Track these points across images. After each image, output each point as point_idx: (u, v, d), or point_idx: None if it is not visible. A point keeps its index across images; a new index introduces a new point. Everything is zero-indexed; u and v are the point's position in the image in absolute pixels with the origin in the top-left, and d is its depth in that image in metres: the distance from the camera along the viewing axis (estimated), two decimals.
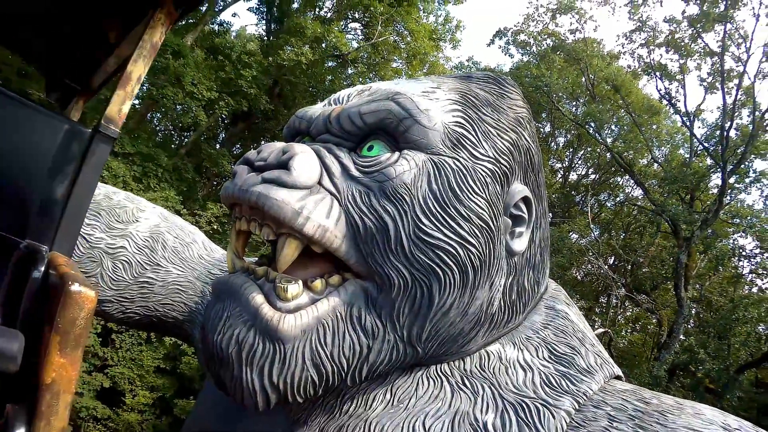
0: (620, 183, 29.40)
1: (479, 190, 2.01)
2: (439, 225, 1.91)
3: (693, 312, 20.71)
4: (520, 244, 2.21)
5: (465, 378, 2.09)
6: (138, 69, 2.13)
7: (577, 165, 30.32)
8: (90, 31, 2.84)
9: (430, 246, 1.89)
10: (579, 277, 24.62)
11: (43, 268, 1.75)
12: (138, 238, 3.25)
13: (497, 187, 2.09)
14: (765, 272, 21.06)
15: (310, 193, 1.92)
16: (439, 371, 2.14)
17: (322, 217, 1.88)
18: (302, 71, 20.25)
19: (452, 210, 1.94)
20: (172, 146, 21.54)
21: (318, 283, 1.92)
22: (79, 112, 3.11)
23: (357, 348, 1.91)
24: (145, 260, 3.22)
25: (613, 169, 27.55)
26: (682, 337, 17.93)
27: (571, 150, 28.94)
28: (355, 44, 22.00)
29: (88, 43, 2.92)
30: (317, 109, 2.32)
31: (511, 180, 2.17)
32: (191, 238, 3.56)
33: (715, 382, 16.29)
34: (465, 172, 2.00)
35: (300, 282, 1.91)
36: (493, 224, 2.05)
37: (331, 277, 1.97)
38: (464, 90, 2.22)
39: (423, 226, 1.89)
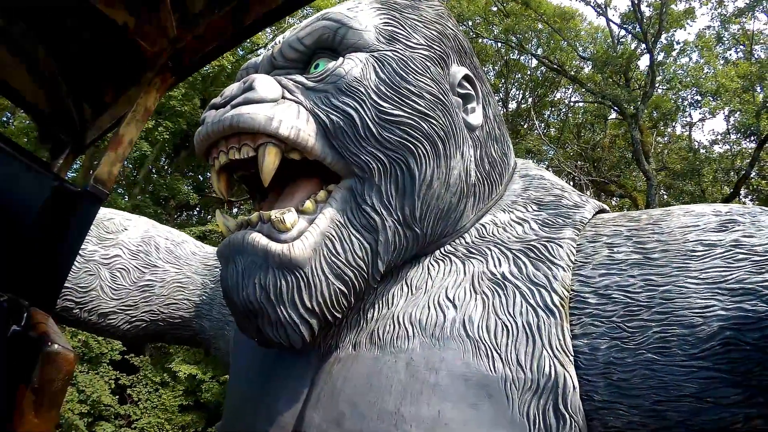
0: (558, 97, 29.78)
1: (423, 71, 2.21)
2: (396, 104, 2.09)
3: (661, 187, 21.11)
4: (476, 118, 2.42)
5: (470, 248, 2.24)
6: (130, 132, 2.11)
7: (513, 93, 30.58)
8: (86, 88, 2.83)
9: (395, 124, 2.07)
10: None
11: (22, 324, 1.68)
12: (131, 244, 3.29)
13: (438, 68, 2.29)
14: (710, 117, 21.57)
15: (277, 104, 2.08)
16: (444, 252, 2.28)
17: (293, 119, 2.04)
18: (227, 77, 20.05)
19: (404, 90, 2.12)
20: (124, 190, 21.14)
21: (309, 204, 2.07)
22: (69, 166, 3.06)
23: (366, 245, 2.05)
24: (142, 264, 3.27)
25: (547, 84, 27.87)
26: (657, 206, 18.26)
27: (503, 80, 29.16)
28: (270, 34, 21.80)
29: (83, 99, 2.90)
30: (260, 57, 2.50)
31: (448, 63, 2.37)
32: (181, 238, 3.61)
33: None
34: (405, 59, 2.19)
35: (293, 209, 2.05)
36: (445, 99, 2.23)
37: (318, 195, 2.12)
38: (384, 0, 2.40)
39: (383, 108, 2.07)
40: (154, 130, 18.37)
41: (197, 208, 24.07)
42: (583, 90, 23.20)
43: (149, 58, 2.33)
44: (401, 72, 2.14)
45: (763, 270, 1.62)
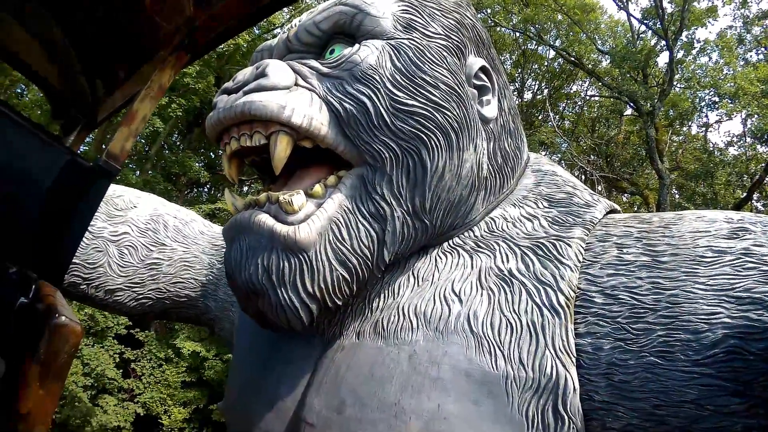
0: (575, 89, 29.62)
1: (439, 61, 2.17)
2: (411, 94, 2.06)
3: (674, 187, 21.02)
4: (490, 111, 2.38)
5: (478, 242, 2.22)
6: (144, 108, 2.12)
7: (529, 84, 30.44)
8: (99, 65, 2.83)
9: (409, 114, 2.04)
10: None
11: (30, 296, 1.70)
12: (139, 222, 3.29)
13: (455, 59, 2.25)
14: (727, 119, 21.41)
15: (290, 91, 2.05)
16: (453, 244, 2.26)
17: (306, 107, 2.01)
18: (242, 56, 20.05)
19: (419, 80, 2.09)
20: (135, 165, 21.23)
21: (318, 188, 2.05)
22: (81, 142, 3.09)
23: (373, 234, 2.03)
24: (150, 242, 3.28)
25: (564, 75, 27.70)
26: (669, 207, 18.24)
27: (519, 69, 29.00)
28: (286, 13, 21.77)
29: (96, 76, 2.90)
30: (275, 39, 2.46)
31: (465, 53, 2.33)
32: (190, 217, 3.61)
33: None
34: (422, 48, 2.16)
35: (302, 192, 2.03)
36: (460, 90, 2.20)
37: (328, 179, 2.10)
38: None
39: (397, 97, 2.04)
40: (167, 106, 18.39)
41: (208, 185, 24.14)
42: (600, 84, 23.03)
43: (164, 35, 2.33)
44: (417, 61, 2.12)
45: None
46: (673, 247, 1.83)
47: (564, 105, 29.70)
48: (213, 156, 23.61)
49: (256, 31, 20.85)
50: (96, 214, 2.89)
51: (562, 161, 23.20)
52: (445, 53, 2.21)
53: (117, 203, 3.29)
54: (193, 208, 18.51)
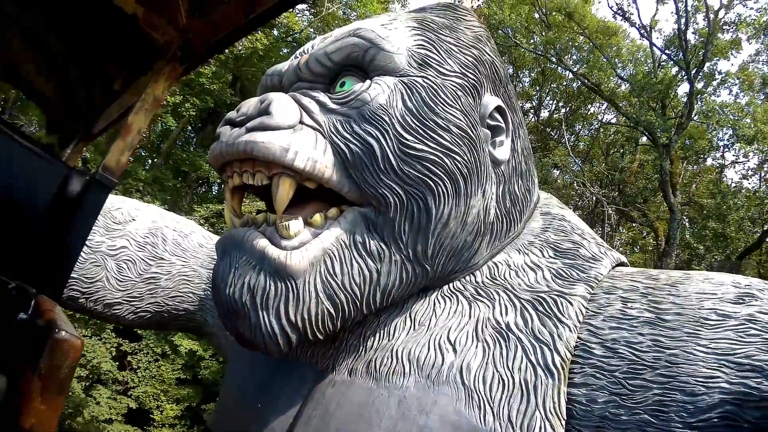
0: (592, 111, 29.52)
1: (452, 102, 2.10)
2: (421, 138, 1.99)
3: (685, 220, 20.90)
4: (503, 153, 2.31)
5: (479, 289, 2.17)
6: (139, 121, 2.12)
7: (546, 103, 30.40)
8: (95, 77, 2.82)
9: (417, 159, 1.97)
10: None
11: (30, 311, 1.71)
12: (138, 236, 3.28)
13: (469, 99, 2.18)
14: (745, 163, 21.30)
15: (294, 131, 1.99)
16: (452, 289, 2.21)
17: (310, 150, 1.95)
18: (259, 59, 20.10)
19: (430, 122, 2.02)
20: (146, 161, 21.30)
21: (317, 218, 2.00)
22: (78, 155, 3.09)
23: (366, 273, 1.97)
24: (148, 256, 3.27)
25: (582, 97, 27.61)
26: (678, 242, 18.16)
27: (537, 88, 28.94)
28: (306, 23, 21.88)
29: (92, 88, 2.90)
30: (286, 64, 2.40)
31: (481, 92, 2.26)
32: (189, 229, 3.58)
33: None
34: (435, 87, 2.08)
35: (300, 218, 1.98)
36: (473, 133, 2.12)
37: (329, 211, 2.04)
38: (420, 18, 2.29)
39: (406, 141, 1.97)
40: (181, 105, 18.43)
41: (217, 183, 24.18)
42: (617, 111, 22.95)
43: (158, 47, 2.32)
44: (430, 102, 2.06)
45: None
46: (678, 306, 1.81)
47: (580, 126, 29.60)
48: None
49: (275, 33, 20.88)
50: (94, 227, 2.96)
51: (574, 182, 23.09)
52: (459, 93, 2.15)
53: (115, 216, 3.28)
54: (201, 207, 18.55)
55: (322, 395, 2.02)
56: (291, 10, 21.72)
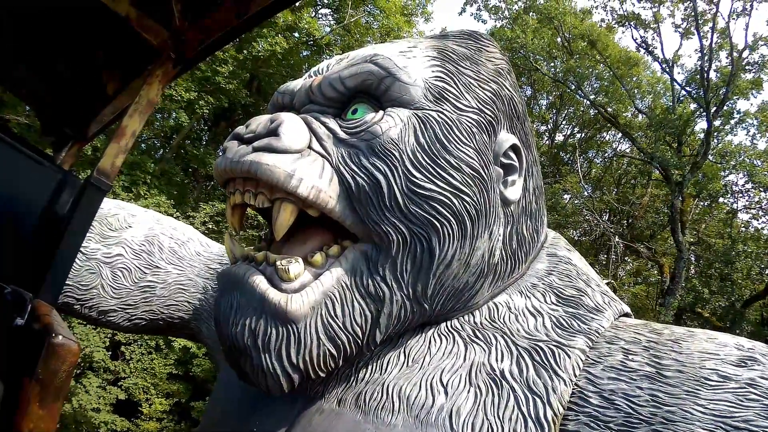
0: (607, 139, 29.46)
1: (467, 140, 2.02)
2: (430, 176, 1.92)
3: (692, 257, 20.80)
4: (514, 193, 2.22)
5: (476, 330, 2.10)
6: (133, 124, 2.11)
7: (562, 126, 30.36)
8: (89, 80, 2.82)
9: (425, 198, 1.90)
10: (576, 237, 24.70)
11: (26, 316, 1.71)
12: (134, 243, 3.26)
13: (484, 136, 2.10)
14: (759, 208, 21.16)
15: (301, 156, 1.92)
16: (450, 327, 2.14)
17: (315, 178, 1.88)
18: (278, 61, 20.15)
19: (442, 161, 1.95)
20: (157, 153, 21.36)
21: (318, 257, 1.94)
22: (72, 158, 3.08)
23: (367, 314, 1.92)
24: (144, 264, 3.25)
25: (598, 125, 27.57)
26: (683, 283, 18.08)
27: (554, 111, 28.90)
28: (327, 29, 21.88)
29: (86, 91, 2.89)
30: (299, 83, 2.31)
31: (497, 129, 2.18)
32: (186, 236, 3.55)
33: (722, 320, 16.43)
34: (450, 123, 2.00)
35: (300, 260, 1.92)
36: (485, 173, 2.05)
37: (330, 249, 1.98)
38: (441, 47, 2.21)
39: (415, 179, 1.89)
40: (195, 102, 18.45)
41: None
42: (632, 143, 22.88)
43: (153, 49, 2.30)
44: (443, 139, 1.98)
45: None
46: (679, 364, 1.78)
47: (594, 153, 29.54)
48: None
49: (296, 35, 20.90)
50: (89, 234, 2.97)
51: (584, 209, 23.00)
52: (474, 129, 2.07)
53: (111, 223, 3.27)
54: (207, 205, 18.57)
55: (309, 422, 1.98)
56: (311, 12, 21.97)
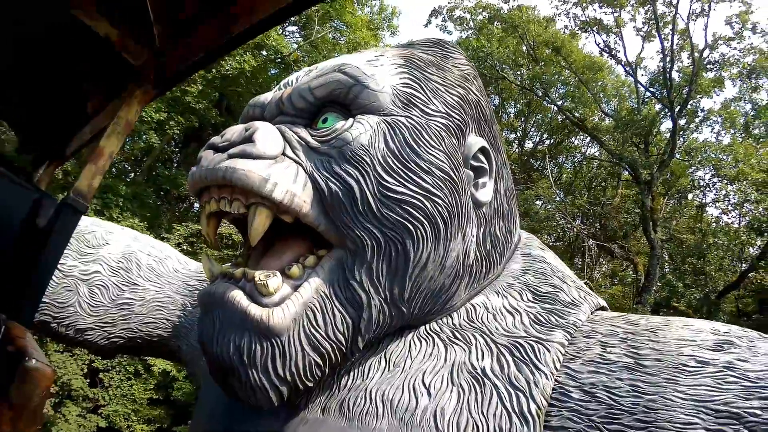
0: (575, 144, 29.85)
1: (436, 143, 2.07)
2: (402, 180, 1.96)
3: (665, 255, 21.09)
4: (485, 195, 2.28)
5: (455, 332, 2.13)
6: (111, 145, 2.09)
7: (531, 133, 30.70)
8: (68, 99, 2.80)
9: (397, 202, 1.94)
10: (550, 242, 24.90)
11: (0, 338, 1.67)
12: (111, 260, 3.23)
13: (453, 140, 2.15)
14: (728, 202, 21.56)
15: (276, 162, 1.96)
16: (429, 330, 2.17)
17: (289, 183, 1.92)
18: (247, 80, 20.15)
19: (412, 164, 1.99)
20: (128, 176, 21.20)
21: (295, 270, 1.96)
22: (49, 177, 3.05)
23: (348, 321, 1.95)
24: (122, 281, 3.22)
25: (566, 130, 27.92)
26: (658, 280, 18.32)
27: (522, 119, 29.22)
28: (295, 46, 21.97)
29: (65, 110, 2.87)
30: (269, 95, 2.36)
31: (466, 133, 2.24)
32: (164, 254, 3.53)
33: (698, 312, 16.63)
34: (419, 128, 2.06)
35: (278, 273, 1.95)
36: (455, 175, 2.10)
37: (307, 260, 2.01)
38: (408, 55, 2.27)
39: (387, 183, 1.94)
40: (166, 122, 18.37)
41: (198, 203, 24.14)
42: (601, 146, 23.23)
43: (131, 71, 2.29)
44: (413, 143, 2.03)
45: (751, 396, 1.59)
46: (657, 353, 1.81)
47: (564, 158, 29.90)
48: None
49: (263, 54, 20.93)
50: (66, 251, 2.89)
51: (557, 214, 23.24)
52: (443, 133, 2.12)
53: (88, 240, 3.24)
54: (181, 226, 18.44)
55: None
56: (278, 30, 22.01)
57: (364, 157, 1.95)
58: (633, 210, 22.36)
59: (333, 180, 1.95)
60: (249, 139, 2.00)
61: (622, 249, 21.72)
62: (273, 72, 22.29)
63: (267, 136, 2.01)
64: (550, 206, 24.04)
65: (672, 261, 21.48)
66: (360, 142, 1.97)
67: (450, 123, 2.16)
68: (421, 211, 1.98)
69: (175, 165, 22.36)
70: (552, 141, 29.47)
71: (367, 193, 1.92)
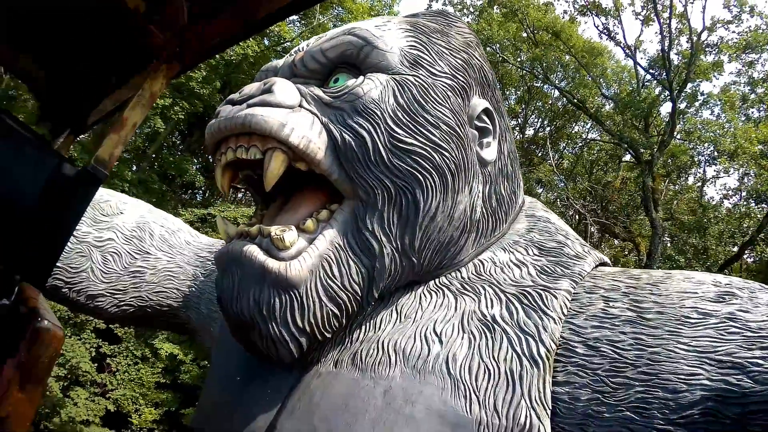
0: (576, 130, 29.84)
1: (442, 101, 2.17)
2: (411, 132, 2.06)
3: (667, 238, 21.13)
4: (490, 154, 2.38)
5: (464, 284, 2.20)
6: (135, 116, 2.09)
7: (531, 120, 30.68)
8: (92, 70, 2.80)
9: (407, 152, 2.04)
10: None
11: (12, 298, 1.66)
12: (125, 228, 3.26)
13: (458, 99, 2.25)
14: (725, 175, 21.63)
15: (293, 111, 2.05)
16: (439, 284, 2.25)
17: (306, 129, 2.01)
18: (250, 66, 20.14)
19: (420, 118, 2.10)
20: (133, 162, 21.23)
21: (310, 223, 2.05)
22: (69, 146, 3.05)
23: (363, 270, 2.03)
24: (134, 250, 3.24)
25: (567, 116, 27.90)
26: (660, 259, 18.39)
27: (523, 105, 29.21)
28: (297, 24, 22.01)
29: (88, 80, 2.87)
30: (281, 61, 2.46)
31: (470, 94, 2.34)
32: (176, 226, 3.57)
33: None
34: (426, 86, 2.16)
35: (293, 228, 2.03)
36: (461, 131, 2.20)
37: (320, 214, 2.10)
38: (413, 21, 2.38)
39: (397, 134, 2.04)
40: (170, 108, 18.43)
41: (202, 189, 24.12)
42: (602, 128, 23.26)
43: (157, 45, 2.31)
44: (420, 99, 2.12)
45: (753, 346, 1.61)
46: (659, 306, 1.83)
47: (564, 144, 29.88)
48: (210, 160, 23.65)
49: (266, 42, 20.99)
50: (82, 218, 2.87)
51: (558, 200, 23.30)
52: (449, 93, 2.21)
53: (103, 208, 3.27)
54: (186, 211, 18.50)
55: (307, 386, 2.02)
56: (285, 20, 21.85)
57: (375, 110, 2.04)
58: (635, 192, 22.41)
59: (347, 131, 2.03)
60: (268, 90, 2.09)
61: (625, 229, 21.77)
62: (275, 60, 22.32)
63: (285, 87, 2.10)
64: (552, 194, 24.05)
65: (673, 240, 21.54)
66: (371, 96, 2.05)
67: (455, 84, 2.25)
68: (429, 162, 2.07)
69: (180, 151, 22.37)
70: (552, 127, 29.46)
71: (379, 143, 2.00)
